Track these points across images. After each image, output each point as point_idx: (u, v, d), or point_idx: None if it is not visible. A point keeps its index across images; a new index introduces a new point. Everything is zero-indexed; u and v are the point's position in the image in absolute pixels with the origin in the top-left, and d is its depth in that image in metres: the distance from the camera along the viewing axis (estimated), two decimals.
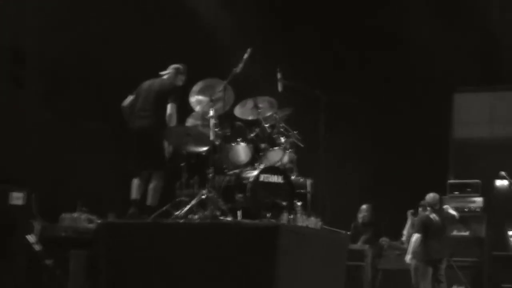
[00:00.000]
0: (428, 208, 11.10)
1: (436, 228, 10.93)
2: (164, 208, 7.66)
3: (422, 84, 12.92)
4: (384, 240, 12.23)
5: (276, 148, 8.06)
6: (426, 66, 12.72)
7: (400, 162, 13.04)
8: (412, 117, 12.87)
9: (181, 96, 7.88)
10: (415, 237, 10.93)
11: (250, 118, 8.28)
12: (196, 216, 7.44)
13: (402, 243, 12.41)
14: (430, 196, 11.29)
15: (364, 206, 12.58)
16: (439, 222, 10.97)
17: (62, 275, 4.76)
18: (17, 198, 3.69)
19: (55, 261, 4.71)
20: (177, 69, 8.04)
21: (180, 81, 8.00)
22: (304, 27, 12.19)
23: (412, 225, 11.72)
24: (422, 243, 10.84)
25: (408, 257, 10.96)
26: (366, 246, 11.33)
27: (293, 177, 8.05)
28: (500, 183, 13.35)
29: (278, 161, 8.01)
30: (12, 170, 3.78)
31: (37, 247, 5.22)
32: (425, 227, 10.90)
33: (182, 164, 7.76)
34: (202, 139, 7.85)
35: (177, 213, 7.48)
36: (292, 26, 12.12)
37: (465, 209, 12.24)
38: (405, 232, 12.05)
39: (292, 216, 7.52)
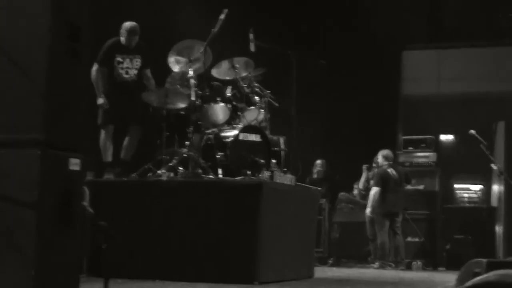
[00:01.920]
0: (386, 162, 11.49)
1: (393, 182, 11.35)
2: (146, 166, 7.79)
3: (372, 43, 13.17)
4: (342, 195, 12.62)
5: (252, 107, 8.25)
6: (375, 25, 12.94)
7: (353, 119, 13.36)
8: (365, 75, 13.15)
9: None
10: (374, 190, 11.35)
11: (227, 78, 8.42)
12: (179, 174, 7.61)
13: (354, 196, 12.86)
14: (386, 151, 11.69)
15: (318, 161, 12.90)
16: (396, 176, 11.38)
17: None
18: (74, 164, 3.82)
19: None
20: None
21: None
22: None
23: (367, 179, 12.15)
24: (380, 196, 11.25)
25: (368, 210, 11.37)
26: (323, 200, 11.63)
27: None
28: (445, 138, 13.93)
29: (254, 120, 8.21)
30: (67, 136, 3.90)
31: (90, 211, 5.36)
32: (383, 181, 11.31)
33: (162, 123, 7.82)
34: (180, 99, 7.99)
35: (159, 171, 7.60)
36: None
37: (419, 164, 12.66)
38: (360, 185, 12.48)
39: (270, 173, 7.74)
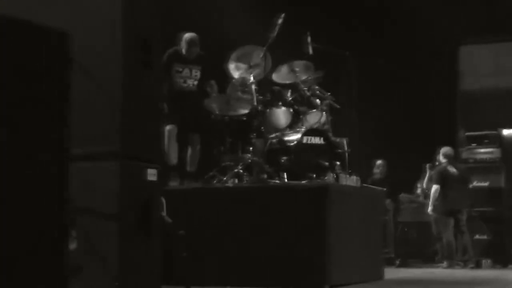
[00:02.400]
0: (445, 160, 11.35)
1: (454, 179, 11.19)
2: (211, 173, 7.82)
3: (429, 39, 13.03)
4: (403, 196, 12.51)
5: (314, 110, 8.23)
6: (431, 21, 12.80)
7: (412, 117, 13.23)
8: (423, 72, 13.02)
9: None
10: (434, 188, 11.21)
11: (287, 82, 8.41)
12: (244, 180, 7.62)
13: (418, 196, 12.72)
14: (446, 149, 11.54)
15: (379, 161, 12.79)
16: (456, 173, 11.23)
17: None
18: (152, 174, 3.87)
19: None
20: None
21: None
22: None
23: (430, 178, 12.00)
24: (441, 195, 11.10)
25: (429, 209, 11.24)
26: (388, 201, 11.53)
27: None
28: (508, 132, 13.65)
29: (316, 123, 8.18)
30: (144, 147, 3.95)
31: (168, 220, 5.41)
32: (443, 178, 11.16)
33: (224, 130, 7.85)
34: (242, 105, 8.01)
35: (224, 178, 7.62)
36: None
37: (483, 160, 12.45)
38: (423, 185, 12.33)
39: (335, 176, 7.70)
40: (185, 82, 8.28)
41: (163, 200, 5.05)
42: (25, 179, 2.91)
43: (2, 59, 2.76)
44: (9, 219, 2.83)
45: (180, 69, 8.17)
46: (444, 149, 11.49)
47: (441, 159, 11.41)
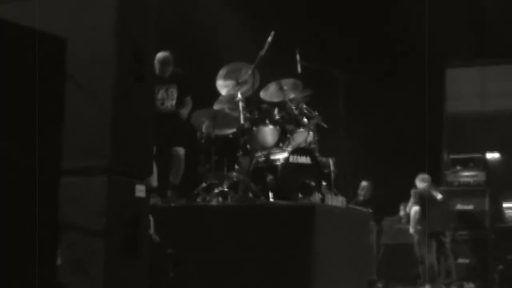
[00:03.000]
0: (424, 184, 11.30)
1: (436, 201, 11.13)
2: (195, 191, 7.71)
3: (415, 59, 13.04)
4: (386, 218, 12.45)
5: (301, 129, 8.16)
6: (418, 42, 12.82)
7: (397, 138, 13.20)
8: (409, 94, 13.01)
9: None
10: (414, 210, 11.12)
11: (275, 100, 8.35)
12: (229, 199, 7.52)
13: (401, 218, 12.66)
14: (423, 175, 11.49)
15: (364, 183, 12.73)
16: (438, 196, 11.18)
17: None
18: (140, 190, 3.76)
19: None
20: None
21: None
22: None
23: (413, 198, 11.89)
24: (422, 217, 11.03)
25: (411, 230, 11.16)
26: (371, 223, 11.42)
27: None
28: (492, 156, 13.66)
29: (303, 142, 8.11)
30: (134, 162, 3.84)
31: (156, 238, 5.29)
32: (423, 200, 11.10)
33: (210, 147, 7.75)
34: (229, 122, 7.93)
35: (209, 196, 7.52)
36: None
37: (467, 183, 12.44)
38: (407, 209, 12.23)
39: (321, 196, 7.63)
40: (162, 103, 8.05)
41: (151, 218, 4.93)
42: (16, 190, 2.80)
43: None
44: None
45: (156, 91, 7.97)
46: (421, 175, 11.44)
47: (419, 184, 11.36)
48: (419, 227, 11.09)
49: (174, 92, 8.09)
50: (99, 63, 3.81)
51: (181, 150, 8.21)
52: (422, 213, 11.05)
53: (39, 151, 2.86)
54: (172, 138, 8.09)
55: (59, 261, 3.39)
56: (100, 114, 3.70)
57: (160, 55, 7.94)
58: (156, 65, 7.84)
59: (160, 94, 8.02)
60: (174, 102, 8.12)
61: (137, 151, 3.91)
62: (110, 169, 3.73)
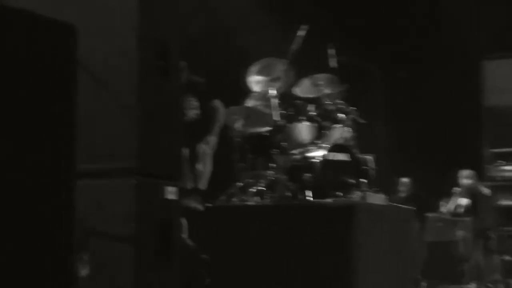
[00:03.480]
0: (470, 181, 10.99)
1: (484, 198, 10.82)
2: (231, 190, 7.49)
3: (451, 52, 12.75)
4: (428, 215, 12.15)
5: (338, 125, 7.89)
6: (454, 34, 12.54)
7: (435, 133, 12.93)
8: (444, 87, 12.74)
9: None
10: (464, 202, 10.79)
11: (310, 96, 8.09)
12: (266, 198, 7.31)
13: (443, 214, 12.33)
14: (468, 171, 11.17)
15: (404, 180, 12.47)
16: (486, 192, 10.87)
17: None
18: (171, 192, 3.52)
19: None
20: None
21: None
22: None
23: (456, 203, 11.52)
24: (471, 213, 10.72)
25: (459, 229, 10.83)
26: None
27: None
28: None
29: (340, 138, 7.84)
30: (163, 163, 3.60)
31: (190, 243, 5.06)
32: (473, 197, 10.79)
33: (245, 146, 7.52)
34: (263, 119, 7.69)
35: (245, 196, 7.31)
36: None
37: (511, 178, 12.10)
38: (451, 206, 11.88)
39: (361, 194, 7.38)
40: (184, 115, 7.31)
41: (184, 221, 4.67)
42: (24, 193, 2.58)
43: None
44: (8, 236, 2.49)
45: None
46: (466, 172, 11.11)
47: (465, 181, 11.02)
48: (467, 224, 10.76)
49: (193, 101, 7.46)
50: (121, 58, 3.57)
51: (206, 152, 7.61)
52: (471, 210, 10.73)
53: (49, 150, 2.62)
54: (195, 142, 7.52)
55: (86, 271, 3.18)
56: (124, 111, 3.45)
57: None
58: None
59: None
60: (196, 111, 7.47)
61: (165, 151, 3.66)
62: (137, 170, 3.48)
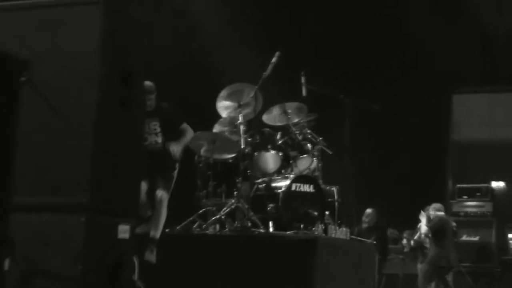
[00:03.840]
0: (441, 213, 10.89)
1: (450, 233, 10.73)
2: (191, 218, 7.32)
3: (421, 85, 12.75)
4: (390, 247, 12.06)
5: (305, 155, 7.77)
6: (425, 67, 12.56)
7: (401, 165, 12.87)
8: (413, 119, 12.71)
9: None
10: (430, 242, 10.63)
11: (278, 124, 7.96)
12: (227, 228, 7.14)
13: (404, 246, 12.25)
14: (439, 204, 11.08)
15: (369, 210, 12.35)
16: (454, 228, 10.78)
17: None
18: (123, 231, 3.33)
19: None
20: None
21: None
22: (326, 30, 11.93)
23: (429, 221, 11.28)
24: (435, 247, 10.58)
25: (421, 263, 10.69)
26: None
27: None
28: (497, 185, 13.27)
29: (307, 169, 7.72)
30: (117, 200, 3.40)
31: (141, 286, 4.83)
32: (442, 229, 10.64)
33: (208, 172, 7.35)
34: (229, 146, 7.54)
35: (204, 224, 7.14)
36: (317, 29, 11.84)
37: (474, 214, 12.06)
38: (422, 230, 11.64)
39: (323, 227, 7.26)
40: (145, 140, 6.99)
41: (136, 261, 4.47)
42: None
43: None
44: None
45: None
46: (438, 205, 11.00)
47: (432, 213, 10.89)
48: (431, 257, 10.60)
49: (157, 126, 7.12)
50: (79, 85, 3.37)
51: (164, 194, 7.08)
52: (439, 244, 10.56)
53: None
54: (156, 179, 7.09)
55: None
56: (79, 143, 3.26)
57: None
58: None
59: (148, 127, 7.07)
60: (159, 138, 7.12)
61: (121, 185, 3.46)
62: (88, 206, 3.28)
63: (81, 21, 3.40)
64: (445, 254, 10.53)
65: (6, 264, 2.76)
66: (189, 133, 7.25)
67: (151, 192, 7.01)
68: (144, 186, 6.67)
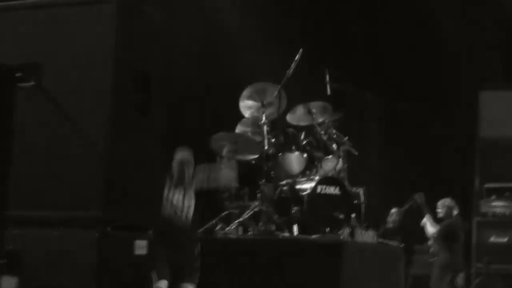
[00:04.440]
0: (455, 212, 10.60)
1: (462, 236, 10.48)
2: (213, 221, 7.15)
3: (448, 82, 12.48)
4: (416, 247, 11.80)
5: (330, 156, 7.56)
6: (451, 64, 12.29)
7: (428, 163, 12.62)
8: (439, 116, 12.45)
9: None
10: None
11: (302, 124, 7.76)
12: (250, 231, 6.97)
13: (430, 246, 11.98)
14: (450, 201, 10.76)
15: (393, 210, 12.11)
16: (464, 229, 10.51)
17: None
18: (140, 247, 3.15)
19: None
20: None
21: None
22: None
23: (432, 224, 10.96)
24: (446, 251, 10.28)
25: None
26: None
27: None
28: None
29: (332, 170, 7.52)
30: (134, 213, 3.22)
31: None
32: (452, 234, 10.37)
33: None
34: (252, 147, 7.36)
35: (227, 227, 6.97)
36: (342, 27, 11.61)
37: (503, 215, 11.76)
38: (429, 232, 11.37)
39: (350, 230, 7.06)
40: (175, 213, 6.58)
41: (154, 276, 4.24)
42: None
43: None
44: None
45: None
46: (449, 201, 10.67)
47: (447, 211, 10.57)
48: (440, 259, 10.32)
49: (192, 202, 6.87)
50: (91, 92, 3.18)
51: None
52: (452, 246, 10.29)
53: None
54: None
55: None
56: (93, 155, 3.07)
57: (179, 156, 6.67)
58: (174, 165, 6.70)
59: (175, 200, 6.65)
60: (190, 213, 6.79)
61: (137, 199, 3.27)
62: (103, 221, 3.08)
63: (93, 20, 3.22)
64: (456, 259, 10.25)
65: (14, 283, 2.59)
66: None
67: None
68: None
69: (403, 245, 10.88)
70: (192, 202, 5.79)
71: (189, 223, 5.88)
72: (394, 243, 8.60)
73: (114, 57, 3.22)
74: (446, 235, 10.25)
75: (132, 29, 3.39)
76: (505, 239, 11.54)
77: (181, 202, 5.99)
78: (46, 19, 3.35)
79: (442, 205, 10.44)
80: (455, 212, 10.41)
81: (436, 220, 10.49)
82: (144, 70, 3.32)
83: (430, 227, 10.44)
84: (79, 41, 3.32)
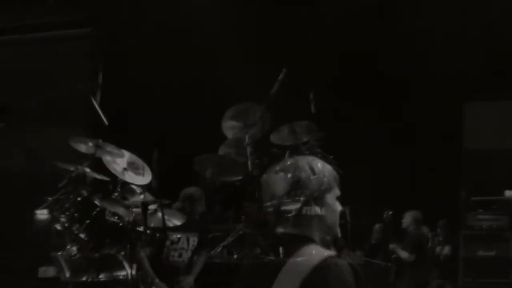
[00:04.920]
0: (417, 224, 10.61)
1: (427, 248, 10.50)
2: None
3: (432, 94, 12.51)
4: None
5: (315, 176, 7.47)
6: (436, 76, 12.31)
7: (412, 175, 12.63)
8: (425, 129, 12.48)
9: None
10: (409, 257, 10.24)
11: (287, 144, 7.71)
12: (235, 255, 6.90)
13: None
14: (417, 212, 10.76)
15: (377, 226, 12.11)
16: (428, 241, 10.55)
17: None
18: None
19: None
20: None
21: None
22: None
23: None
24: (413, 263, 10.24)
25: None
26: None
27: None
28: (510, 194, 12.95)
29: (317, 191, 7.41)
30: None
31: None
32: (419, 246, 10.36)
33: (214, 196, 7.13)
34: (235, 168, 7.30)
35: (211, 251, 6.90)
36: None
37: (490, 228, 11.74)
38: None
39: (337, 251, 6.96)
40: (180, 255, 6.70)
41: None
42: None
43: None
44: None
45: (175, 239, 6.59)
46: (416, 213, 10.69)
47: (412, 222, 10.57)
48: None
49: (196, 242, 6.70)
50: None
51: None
52: (417, 260, 10.23)
53: None
54: None
55: None
56: None
57: (186, 191, 6.82)
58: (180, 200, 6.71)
59: (181, 243, 6.67)
60: (189, 254, 6.66)
61: None
62: None
63: (70, 56, 3.14)
64: (425, 270, 10.25)
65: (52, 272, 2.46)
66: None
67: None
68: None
69: (389, 264, 10.93)
70: None
71: None
72: (380, 262, 8.59)
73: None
74: (419, 245, 10.29)
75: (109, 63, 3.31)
76: (493, 253, 11.51)
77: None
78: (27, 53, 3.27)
79: (410, 216, 10.49)
80: (422, 226, 10.49)
81: (401, 239, 10.47)
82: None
83: (401, 253, 10.34)
84: (56, 77, 3.24)
